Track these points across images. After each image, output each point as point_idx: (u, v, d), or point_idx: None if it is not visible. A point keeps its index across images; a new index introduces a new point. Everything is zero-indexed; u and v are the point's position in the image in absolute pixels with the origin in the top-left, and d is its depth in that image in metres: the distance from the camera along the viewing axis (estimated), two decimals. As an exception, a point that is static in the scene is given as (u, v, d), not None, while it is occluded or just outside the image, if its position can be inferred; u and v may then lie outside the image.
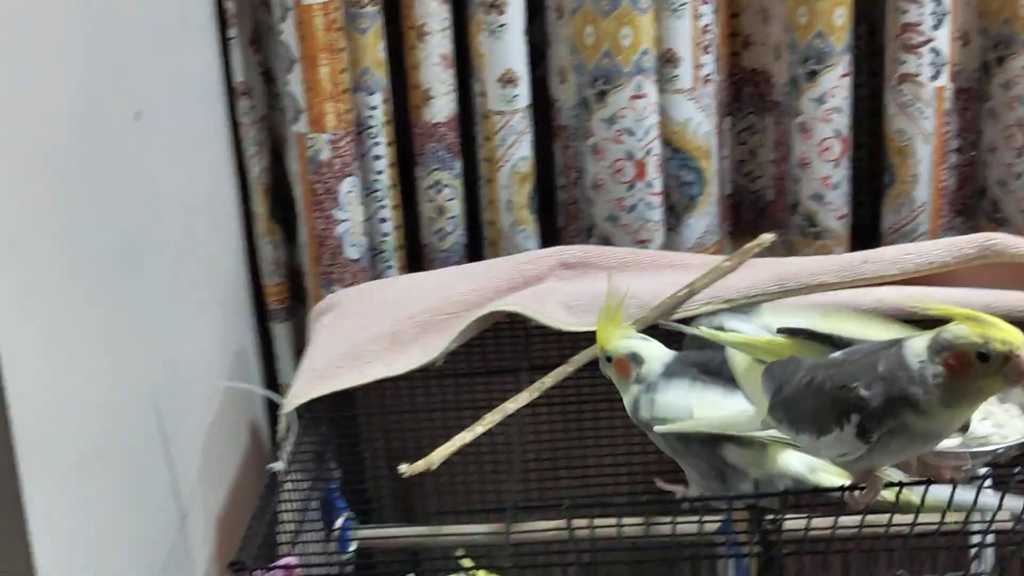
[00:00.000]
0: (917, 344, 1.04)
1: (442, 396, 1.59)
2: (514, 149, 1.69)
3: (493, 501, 1.59)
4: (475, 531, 1.44)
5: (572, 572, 1.17)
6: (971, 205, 1.77)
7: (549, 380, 1.40)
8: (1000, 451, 1.24)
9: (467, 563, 1.21)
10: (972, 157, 1.75)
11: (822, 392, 1.08)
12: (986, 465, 1.24)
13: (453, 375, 1.58)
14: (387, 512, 1.69)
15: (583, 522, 1.17)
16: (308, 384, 1.43)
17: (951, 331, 1.02)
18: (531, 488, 1.59)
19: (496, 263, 1.61)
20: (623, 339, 1.29)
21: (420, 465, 1.30)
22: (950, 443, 1.26)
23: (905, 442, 1.06)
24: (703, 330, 1.23)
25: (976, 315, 1.01)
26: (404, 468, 1.30)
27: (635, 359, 1.28)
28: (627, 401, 1.28)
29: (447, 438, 1.49)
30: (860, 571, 1.12)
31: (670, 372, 1.26)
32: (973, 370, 1.00)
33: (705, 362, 1.26)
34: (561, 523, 1.25)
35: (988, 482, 1.26)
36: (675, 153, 1.70)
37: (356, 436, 1.62)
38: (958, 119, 1.72)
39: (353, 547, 1.47)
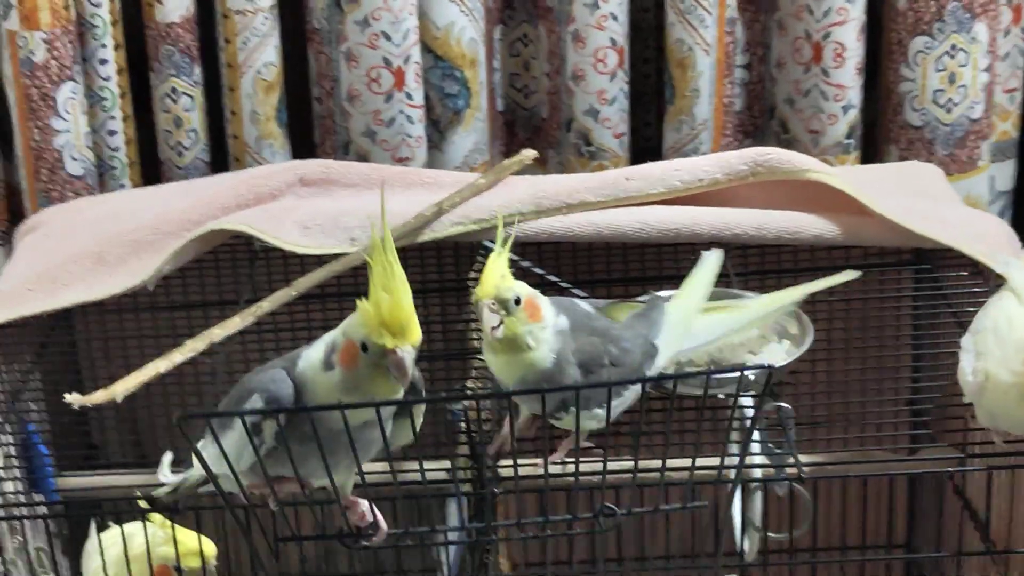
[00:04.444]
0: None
1: (173, 326, 1.42)
2: (258, 54, 1.53)
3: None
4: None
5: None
6: (759, 125, 1.65)
7: (267, 304, 1.25)
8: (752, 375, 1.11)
9: (143, 504, 1.06)
10: (761, 73, 1.62)
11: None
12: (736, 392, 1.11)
13: (185, 306, 1.41)
14: (118, 454, 1.52)
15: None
16: (-7, 310, 1.26)
17: (346, 322, 0.94)
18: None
19: (225, 178, 1.45)
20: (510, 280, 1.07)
21: (99, 396, 1.14)
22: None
23: (312, 443, 0.93)
24: None
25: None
26: (73, 398, 1.14)
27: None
28: (544, 351, 1.05)
29: (179, 372, 1.35)
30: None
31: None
32: (359, 361, 0.92)
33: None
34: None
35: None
36: (437, 61, 1.55)
37: (76, 369, 1.45)
38: (744, 30, 1.60)
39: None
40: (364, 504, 0.99)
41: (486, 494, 0.97)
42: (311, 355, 0.96)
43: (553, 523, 0.92)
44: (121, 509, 1.08)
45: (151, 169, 1.58)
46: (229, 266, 1.39)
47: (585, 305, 1.12)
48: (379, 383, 0.92)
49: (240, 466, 0.96)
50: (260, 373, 0.98)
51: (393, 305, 0.90)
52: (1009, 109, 1.67)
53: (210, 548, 1.05)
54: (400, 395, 0.94)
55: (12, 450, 1.29)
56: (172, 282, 1.37)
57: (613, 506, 0.91)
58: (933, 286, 1.32)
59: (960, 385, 1.08)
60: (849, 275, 1.18)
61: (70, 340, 1.44)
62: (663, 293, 1.22)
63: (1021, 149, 1.71)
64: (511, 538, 0.96)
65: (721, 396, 1.12)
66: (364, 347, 0.90)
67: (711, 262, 1.18)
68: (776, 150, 1.35)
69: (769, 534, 1.08)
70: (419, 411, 0.98)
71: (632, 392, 1.06)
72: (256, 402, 0.95)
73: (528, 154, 1.43)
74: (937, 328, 1.29)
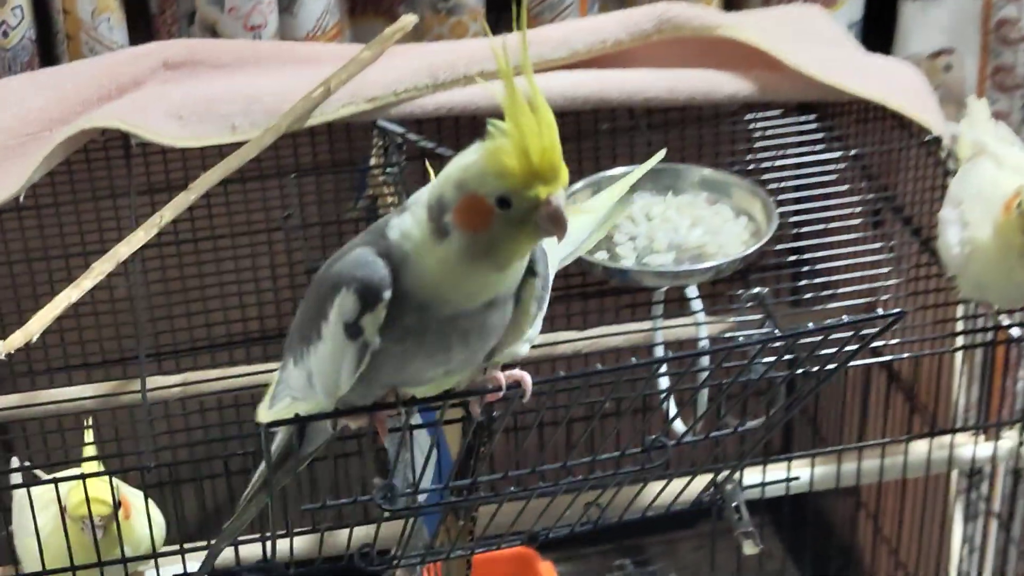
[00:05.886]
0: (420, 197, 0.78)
1: (32, 234, 1.29)
2: (87, -81, 1.36)
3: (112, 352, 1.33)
4: (95, 392, 1.18)
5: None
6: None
7: (168, 213, 1.14)
8: (722, 267, 1.06)
9: (90, 449, 0.96)
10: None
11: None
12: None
13: (44, 206, 1.27)
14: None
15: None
16: None
17: (458, 174, 0.75)
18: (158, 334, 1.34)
19: (81, 66, 1.30)
20: None
21: (18, 337, 1.02)
22: (661, 258, 1.08)
23: (416, 339, 0.77)
24: None
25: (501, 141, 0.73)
26: None
27: None
28: None
29: (49, 285, 1.23)
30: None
31: None
32: (493, 220, 0.73)
33: None
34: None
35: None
36: (286, -85, 1.42)
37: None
38: None
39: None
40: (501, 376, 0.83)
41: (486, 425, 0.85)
42: (406, 223, 0.76)
43: (601, 462, 0.84)
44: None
45: (-30, 53, 1.41)
46: (105, 160, 1.26)
47: None
48: (521, 242, 0.74)
49: (341, 385, 0.79)
50: (341, 259, 0.79)
51: (544, 144, 0.71)
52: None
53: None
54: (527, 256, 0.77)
55: None
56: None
57: (665, 438, 0.83)
58: (829, 137, 1.28)
59: (942, 260, 1.05)
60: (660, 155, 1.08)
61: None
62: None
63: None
64: (554, 489, 0.86)
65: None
66: (503, 202, 0.72)
67: None
68: (681, 5, 1.29)
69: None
70: (536, 297, 0.81)
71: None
72: (346, 298, 0.76)
73: (408, 20, 1.34)
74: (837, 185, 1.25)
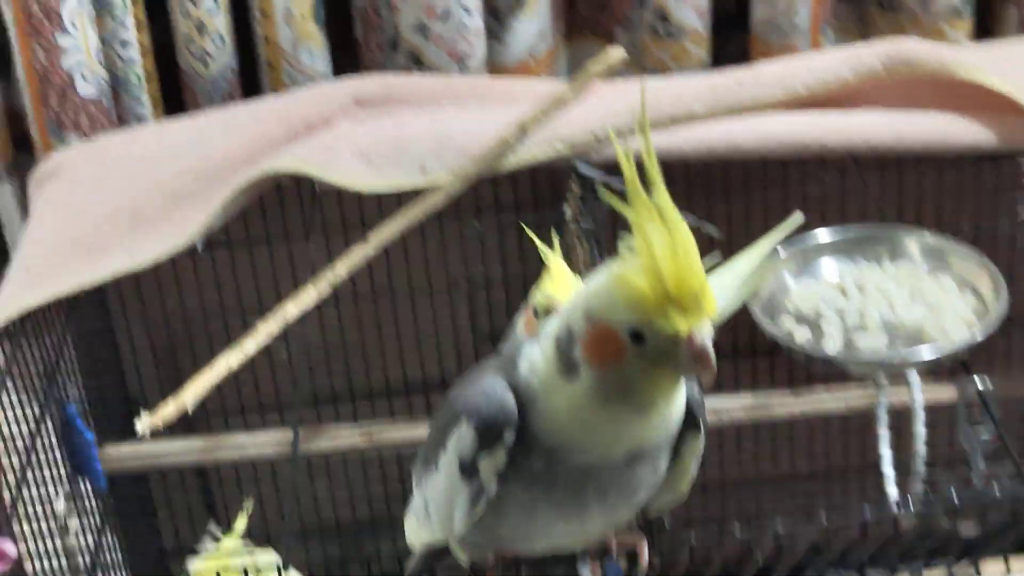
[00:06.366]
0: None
1: (215, 269, 1.24)
2: (289, -56, 1.31)
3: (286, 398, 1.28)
4: (259, 442, 1.13)
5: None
6: (855, -12, 1.45)
7: (342, 268, 1.07)
8: (943, 359, 0.93)
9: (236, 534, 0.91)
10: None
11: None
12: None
13: (227, 244, 1.22)
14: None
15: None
16: (22, 289, 1.07)
17: (587, 300, 0.65)
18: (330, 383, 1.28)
19: (268, 105, 1.25)
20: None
21: (169, 410, 0.96)
22: (872, 340, 0.96)
23: (546, 489, 0.68)
24: None
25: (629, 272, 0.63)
26: (143, 422, 0.95)
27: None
28: None
29: (225, 321, 1.18)
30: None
31: None
32: (626, 356, 0.63)
33: None
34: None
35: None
36: (496, -61, 1.35)
37: (109, 334, 1.27)
38: None
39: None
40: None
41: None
42: (535, 355, 0.68)
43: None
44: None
45: (171, 83, 1.37)
46: (292, 199, 1.21)
47: None
48: (661, 383, 0.65)
49: (455, 525, 0.71)
50: (469, 386, 0.71)
51: (680, 268, 0.62)
52: None
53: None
54: (682, 397, 0.68)
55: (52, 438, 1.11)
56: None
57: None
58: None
59: None
60: (797, 219, 0.89)
61: (99, 295, 1.25)
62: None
63: None
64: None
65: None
66: (637, 336, 0.63)
67: None
68: (912, 42, 1.16)
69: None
70: (697, 446, 0.72)
71: None
72: (465, 432, 0.68)
73: (614, 54, 1.24)
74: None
